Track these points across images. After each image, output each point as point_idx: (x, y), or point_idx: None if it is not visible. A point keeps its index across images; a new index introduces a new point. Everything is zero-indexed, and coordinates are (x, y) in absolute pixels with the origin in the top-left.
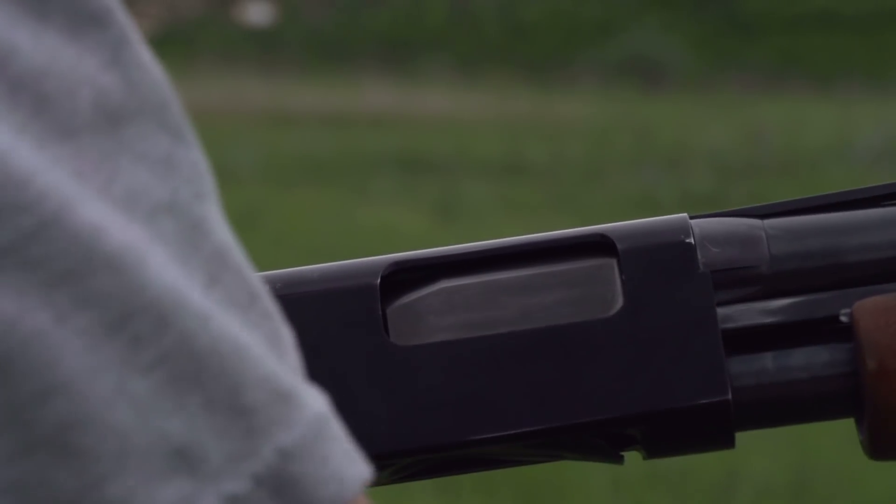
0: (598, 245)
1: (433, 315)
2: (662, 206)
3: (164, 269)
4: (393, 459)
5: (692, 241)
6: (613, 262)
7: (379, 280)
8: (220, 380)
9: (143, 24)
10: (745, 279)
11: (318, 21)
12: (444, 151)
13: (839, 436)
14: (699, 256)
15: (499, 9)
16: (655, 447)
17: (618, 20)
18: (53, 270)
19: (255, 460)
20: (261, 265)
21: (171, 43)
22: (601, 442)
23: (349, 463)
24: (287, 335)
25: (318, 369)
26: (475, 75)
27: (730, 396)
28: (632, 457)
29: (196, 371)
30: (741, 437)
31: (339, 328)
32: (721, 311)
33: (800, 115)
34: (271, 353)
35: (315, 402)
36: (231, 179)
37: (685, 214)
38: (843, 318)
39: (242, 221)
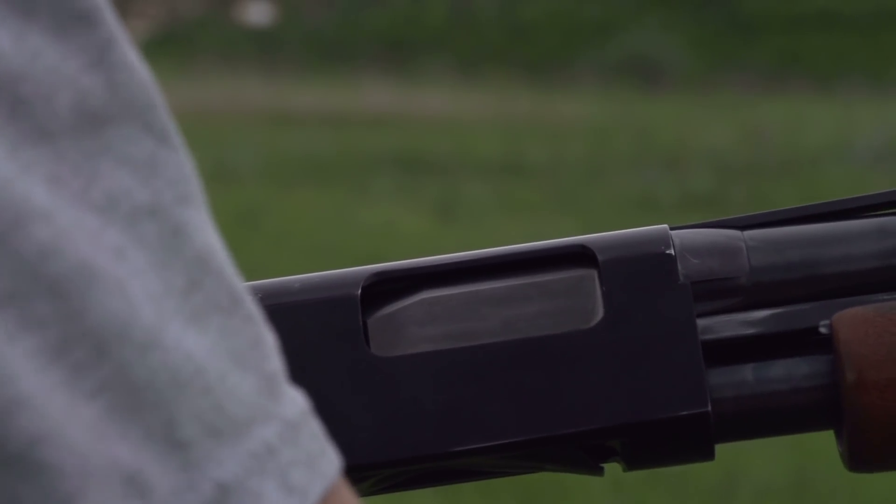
0: (579, 256)
1: (414, 326)
2: (662, 206)
3: (112, 292)
4: (374, 471)
5: (672, 252)
6: (594, 273)
7: (360, 291)
8: (156, 413)
9: (143, 25)
10: (725, 290)
11: (318, 21)
12: (444, 151)
13: None
14: (679, 268)
15: (499, 9)
16: (635, 459)
17: (618, 20)
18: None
19: (196, 495)
20: (261, 265)
21: (171, 43)
22: (581, 453)
23: (285, 499)
24: (269, 338)
25: (300, 380)
26: (475, 75)
27: (709, 408)
28: None
29: (134, 402)
30: None
31: (320, 339)
32: (701, 322)
33: (800, 115)
34: (249, 360)
35: (261, 431)
36: (231, 179)
37: (665, 226)
38: (823, 330)
39: (242, 221)
